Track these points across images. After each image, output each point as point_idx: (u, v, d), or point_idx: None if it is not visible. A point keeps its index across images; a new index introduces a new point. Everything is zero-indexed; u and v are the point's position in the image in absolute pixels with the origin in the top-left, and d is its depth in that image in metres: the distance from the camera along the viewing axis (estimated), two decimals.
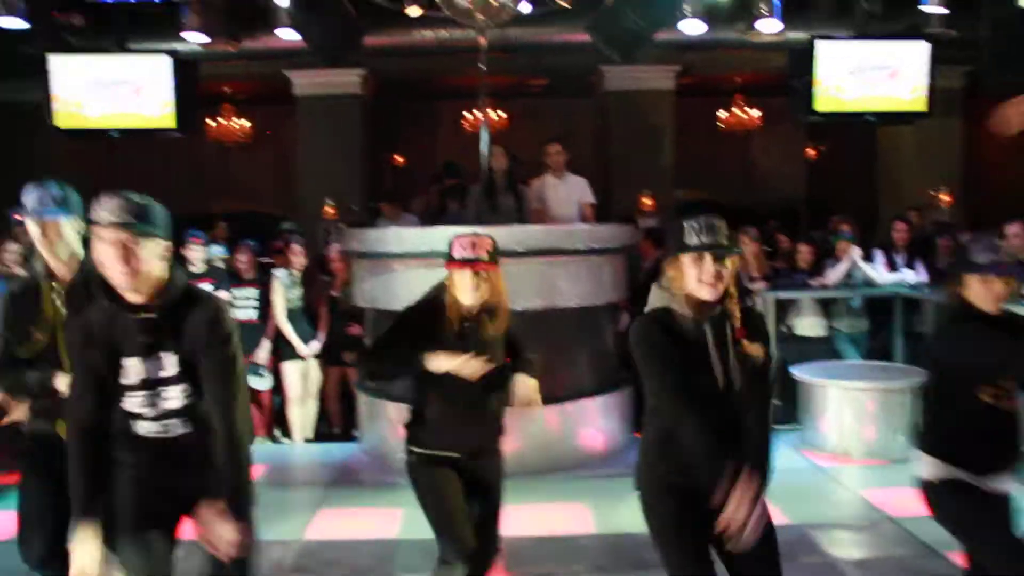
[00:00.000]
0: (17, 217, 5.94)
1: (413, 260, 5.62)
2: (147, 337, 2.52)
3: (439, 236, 5.67)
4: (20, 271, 6.80)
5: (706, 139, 14.32)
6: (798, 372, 6.35)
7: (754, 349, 2.71)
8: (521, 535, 4.61)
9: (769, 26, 8.21)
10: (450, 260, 3.20)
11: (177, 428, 2.60)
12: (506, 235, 5.71)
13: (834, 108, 8.63)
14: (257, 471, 5.42)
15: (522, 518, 4.85)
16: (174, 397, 2.57)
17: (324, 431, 7.21)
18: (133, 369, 2.54)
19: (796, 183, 15.56)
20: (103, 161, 13.90)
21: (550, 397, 5.72)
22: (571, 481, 5.56)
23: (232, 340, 2.58)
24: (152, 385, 2.56)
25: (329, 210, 11.36)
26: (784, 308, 7.36)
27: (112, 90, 8.43)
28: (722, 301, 2.66)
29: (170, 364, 2.55)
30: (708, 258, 2.58)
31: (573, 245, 5.79)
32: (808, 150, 15.41)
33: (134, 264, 2.44)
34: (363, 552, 4.46)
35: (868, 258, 7.31)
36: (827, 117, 8.85)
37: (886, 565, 4.24)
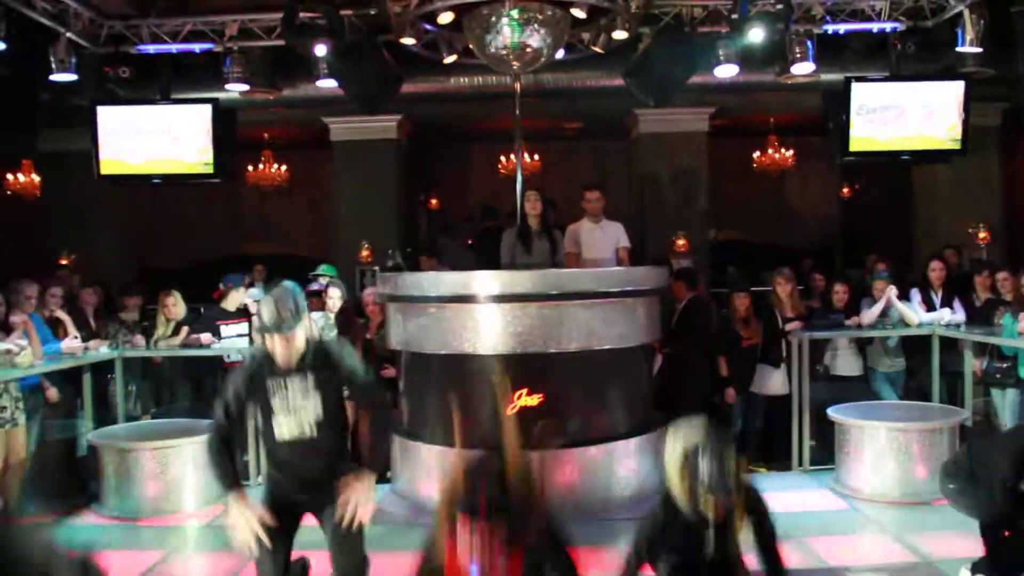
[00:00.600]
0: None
1: (447, 303, 5.71)
2: None
3: (472, 280, 5.79)
4: (63, 315, 6.97)
5: (740, 179, 14.33)
6: (834, 412, 6.31)
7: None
8: None
9: (803, 68, 8.26)
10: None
11: None
12: (542, 279, 5.81)
13: (869, 148, 8.63)
14: None
15: None
16: None
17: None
18: None
19: (831, 222, 15.50)
20: (147, 206, 14.23)
21: (585, 439, 5.79)
22: (604, 524, 5.53)
23: None
24: None
25: (365, 253, 11.51)
26: (820, 348, 7.33)
27: (154, 138, 8.64)
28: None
29: None
30: None
31: (608, 287, 5.83)
32: (843, 188, 15.35)
33: None
34: None
35: (904, 297, 7.27)
36: (863, 157, 8.84)
37: None
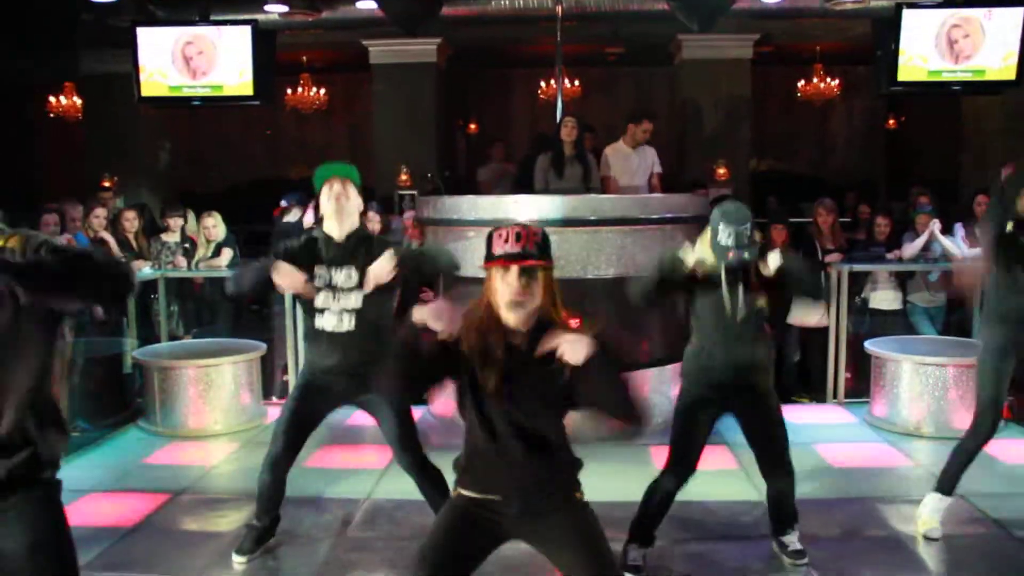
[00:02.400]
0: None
1: (486, 227, 5.70)
2: None
3: (510, 203, 5.79)
4: (107, 235, 7.09)
5: (783, 109, 14.08)
6: (871, 346, 6.28)
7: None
8: None
9: None
10: (488, 258, 2.52)
11: None
12: (579, 204, 5.79)
13: (918, 78, 8.41)
14: (325, 432, 5.55)
15: (583, 485, 4.93)
16: None
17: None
18: None
19: (875, 154, 15.21)
20: (186, 128, 14.29)
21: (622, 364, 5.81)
22: (639, 449, 5.60)
23: None
24: None
25: (404, 177, 11.51)
26: (860, 281, 7.27)
27: (193, 59, 8.63)
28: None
29: None
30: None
31: (646, 214, 5.81)
32: (888, 120, 15.03)
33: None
34: (428, 512, 4.59)
35: (948, 231, 7.16)
36: (911, 87, 8.62)
37: (954, 542, 4.20)
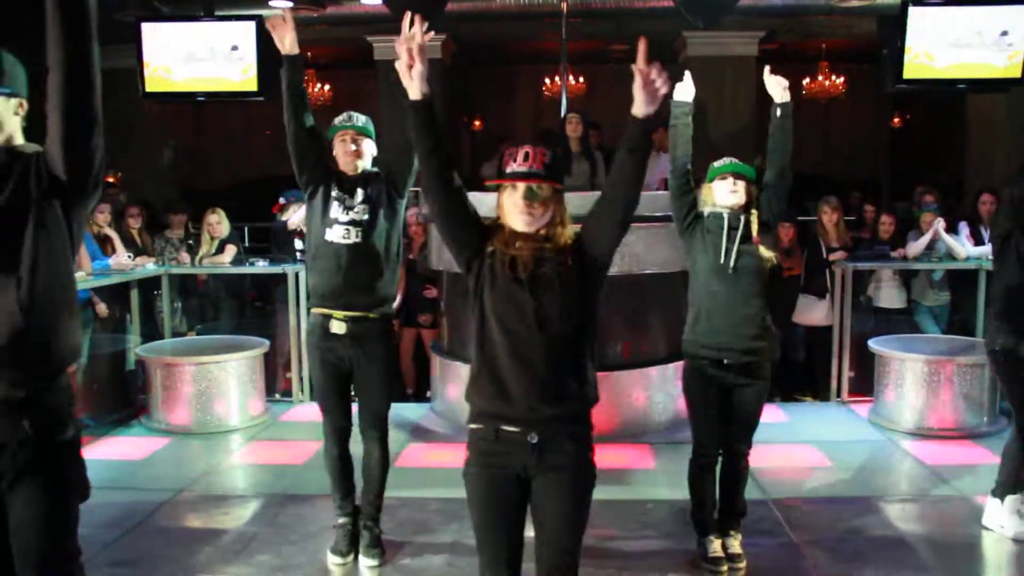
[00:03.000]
0: None
1: None
2: None
3: None
4: (111, 232, 7.09)
5: None
6: (875, 344, 6.27)
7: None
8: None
9: None
10: (499, 175, 2.61)
11: None
12: (584, 201, 5.76)
13: (924, 75, 8.37)
14: None
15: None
16: None
17: (398, 392, 7.36)
18: None
19: (880, 152, 15.20)
20: (190, 124, 14.30)
21: (625, 363, 5.82)
22: (643, 446, 5.61)
23: None
24: None
25: None
26: (864, 279, 7.26)
27: (198, 55, 8.61)
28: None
29: None
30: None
31: (651, 212, 5.80)
32: (894, 118, 14.99)
33: None
34: (431, 509, 4.59)
35: (953, 230, 7.14)
36: (917, 85, 8.58)
37: (956, 542, 4.20)
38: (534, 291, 2.51)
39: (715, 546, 3.87)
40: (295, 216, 7.28)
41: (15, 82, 2.37)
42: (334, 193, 3.88)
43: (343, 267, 3.81)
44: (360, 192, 3.87)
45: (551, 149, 2.60)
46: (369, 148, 3.96)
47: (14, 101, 2.36)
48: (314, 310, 3.95)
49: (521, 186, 2.53)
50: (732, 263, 3.78)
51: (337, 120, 3.98)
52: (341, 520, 4.05)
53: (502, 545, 2.58)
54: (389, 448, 4.08)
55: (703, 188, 4.00)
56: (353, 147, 3.89)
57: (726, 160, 4.06)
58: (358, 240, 3.82)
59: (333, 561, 3.98)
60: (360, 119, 3.96)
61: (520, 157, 2.54)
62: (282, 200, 7.53)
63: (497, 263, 2.55)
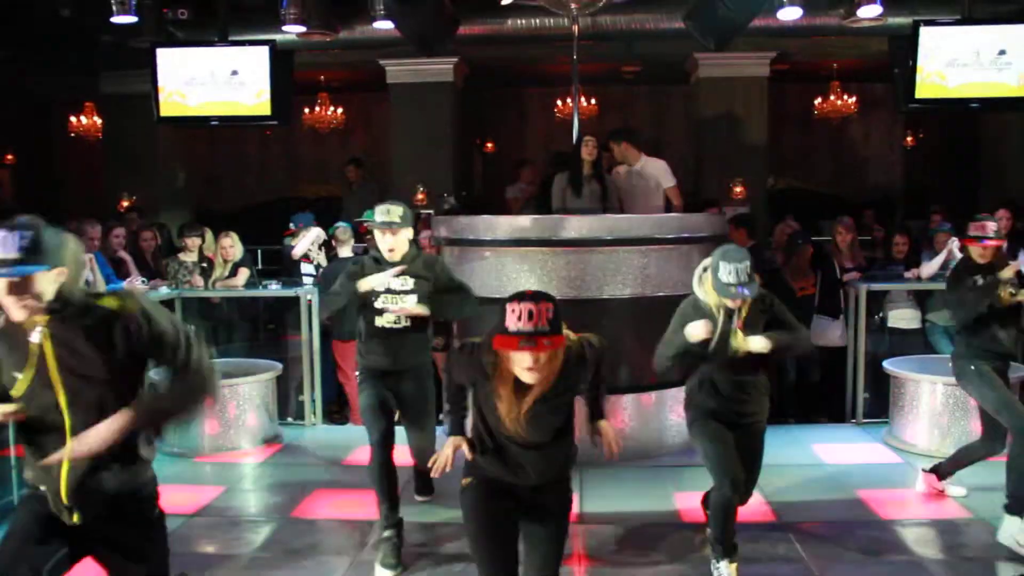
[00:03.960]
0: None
1: (503, 247, 5.71)
2: None
3: (527, 224, 5.79)
4: (125, 255, 7.13)
5: (800, 126, 14.03)
6: (890, 365, 6.23)
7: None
8: (602, 522, 4.67)
9: (870, 11, 8.00)
10: (502, 332, 2.68)
11: None
12: (597, 224, 5.78)
13: (936, 95, 8.36)
14: (343, 453, 5.59)
15: (604, 505, 4.91)
16: None
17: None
18: None
19: (893, 172, 15.13)
20: (204, 147, 14.38)
21: (637, 385, 5.80)
22: (654, 469, 5.58)
23: None
24: None
25: (420, 196, 11.52)
26: (878, 300, 7.22)
27: (212, 80, 8.69)
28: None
29: None
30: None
31: (664, 234, 5.80)
32: (906, 138, 14.95)
33: None
34: (444, 534, 4.57)
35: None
36: (929, 105, 8.57)
37: (974, 567, 4.15)
38: (529, 428, 2.85)
39: (727, 570, 3.85)
40: (300, 244, 7.32)
41: (55, 256, 2.50)
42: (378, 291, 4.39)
43: (394, 350, 4.48)
44: (403, 278, 4.37)
45: (552, 306, 2.68)
46: (406, 236, 4.37)
47: (54, 272, 2.49)
48: None
49: (527, 352, 2.66)
50: (738, 353, 3.90)
51: (377, 215, 4.34)
52: (386, 533, 4.24)
53: (498, 555, 2.88)
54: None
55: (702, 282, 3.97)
56: (391, 243, 4.32)
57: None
58: (408, 326, 4.43)
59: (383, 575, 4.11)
60: (396, 213, 4.31)
61: (524, 315, 2.64)
62: (292, 225, 7.57)
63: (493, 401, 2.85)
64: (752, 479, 4.05)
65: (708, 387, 3.97)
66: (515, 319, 2.63)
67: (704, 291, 3.89)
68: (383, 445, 4.33)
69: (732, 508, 3.89)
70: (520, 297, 2.69)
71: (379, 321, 4.40)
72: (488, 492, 2.94)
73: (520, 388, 2.76)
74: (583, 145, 6.89)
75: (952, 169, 13.29)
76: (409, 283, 4.36)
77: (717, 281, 3.76)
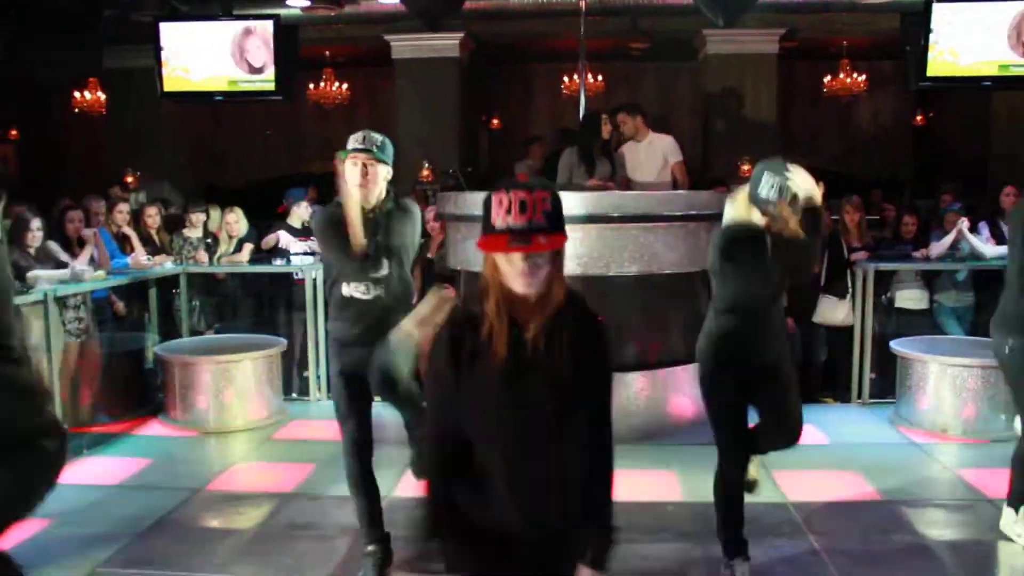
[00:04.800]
0: None
1: None
2: None
3: None
4: (129, 231, 7.11)
5: (809, 104, 13.94)
6: (897, 346, 6.19)
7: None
8: None
9: None
10: (488, 231, 2.05)
11: None
12: (604, 200, 5.74)
13: (948, 73, 8.27)
14: None
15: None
16: None
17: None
18: None
19: (902, 151, 15.03)
20: (208, 123, 14.33)
21: (643, 364, 5.77)
22: (660, 448, 5.56)
23: None
24: None
25: (425, 172, 11.48)
26: (886, 280, 7.17)
27: (216, 54, 8.63)
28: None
29: None
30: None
31: (670, 211, 5.75)
32: (916, 116, 14.84)
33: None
34: None
35: (975, 229, 7.04)
36: (940, 83, 8.48)
37: (981, 548, 4.13)
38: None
39: (742, 568, 3.73)
40: (269, 237, 7.29)
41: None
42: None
43: (364, 320, 3.68)
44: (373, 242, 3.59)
45: (550, 194, 2.04)
46: (383, 174, 3.64)
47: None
48: None
49: (518, 255, 2.02)
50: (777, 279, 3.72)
51: (351, 142, 3.64)
52: (369, 548, 3.84)
53: None
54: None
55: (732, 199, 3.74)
56: (365, 174, 3.57)
57: None
58: (379, 294, 3.65)
59: None
60: (376, 140, 3.64)
61: (516, 207, 1.99)
62: (284, 201, 7.56)
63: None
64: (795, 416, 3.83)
65: (741, 337, 3.65)
66: (503, 213, 1.98)
67: (737, 210, 3.64)
68: (359, 447, 3.84)
69: (740, 489, 3.78)
70: (510, 185, 2.02)
71: (347, 290, 3.71)
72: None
73: (517, 328, 2.07)
74: (602, 124, 6.81)
75: (962, 147, 13.19)
76: (384, 268, 3.62)
77: (756, 195, 3.53)
